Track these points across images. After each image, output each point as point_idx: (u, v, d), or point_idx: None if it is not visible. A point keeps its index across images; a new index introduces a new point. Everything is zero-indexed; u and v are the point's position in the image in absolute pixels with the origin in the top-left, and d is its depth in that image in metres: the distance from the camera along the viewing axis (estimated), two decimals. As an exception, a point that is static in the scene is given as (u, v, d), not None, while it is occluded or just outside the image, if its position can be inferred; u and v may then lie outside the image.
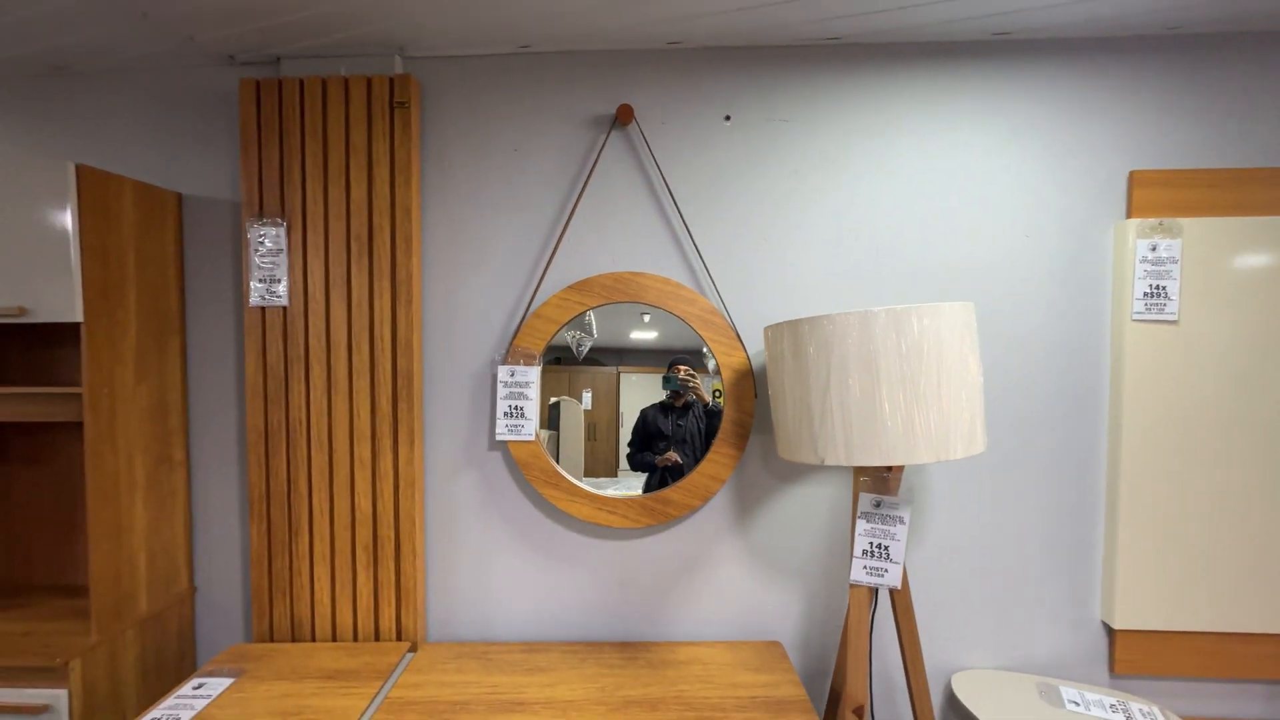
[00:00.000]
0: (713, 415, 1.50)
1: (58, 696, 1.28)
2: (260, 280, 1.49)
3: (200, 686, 1.28)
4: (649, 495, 1.51)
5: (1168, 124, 1.46)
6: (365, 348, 1.49)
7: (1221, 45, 1.45)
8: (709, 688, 1.30)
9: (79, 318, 1.31)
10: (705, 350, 1.50)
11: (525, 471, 1.51)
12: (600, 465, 1.56)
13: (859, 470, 1.27)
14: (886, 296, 1.51)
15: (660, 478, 1.53)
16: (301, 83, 1.47)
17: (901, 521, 1.24)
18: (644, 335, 1.53)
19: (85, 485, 1.34)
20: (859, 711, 1.21)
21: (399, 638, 1.52)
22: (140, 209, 1.46)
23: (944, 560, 1.53)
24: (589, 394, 1.55)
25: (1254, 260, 1.40)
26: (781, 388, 1.24)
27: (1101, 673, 1.51)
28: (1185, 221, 1.41)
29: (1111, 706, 1.35)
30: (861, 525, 1.25)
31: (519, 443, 1.51)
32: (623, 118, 1.48)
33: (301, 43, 1.46)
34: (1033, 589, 1.52)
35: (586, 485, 1.52)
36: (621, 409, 1.55)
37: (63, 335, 1.61)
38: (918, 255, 1.50)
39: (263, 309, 1.50)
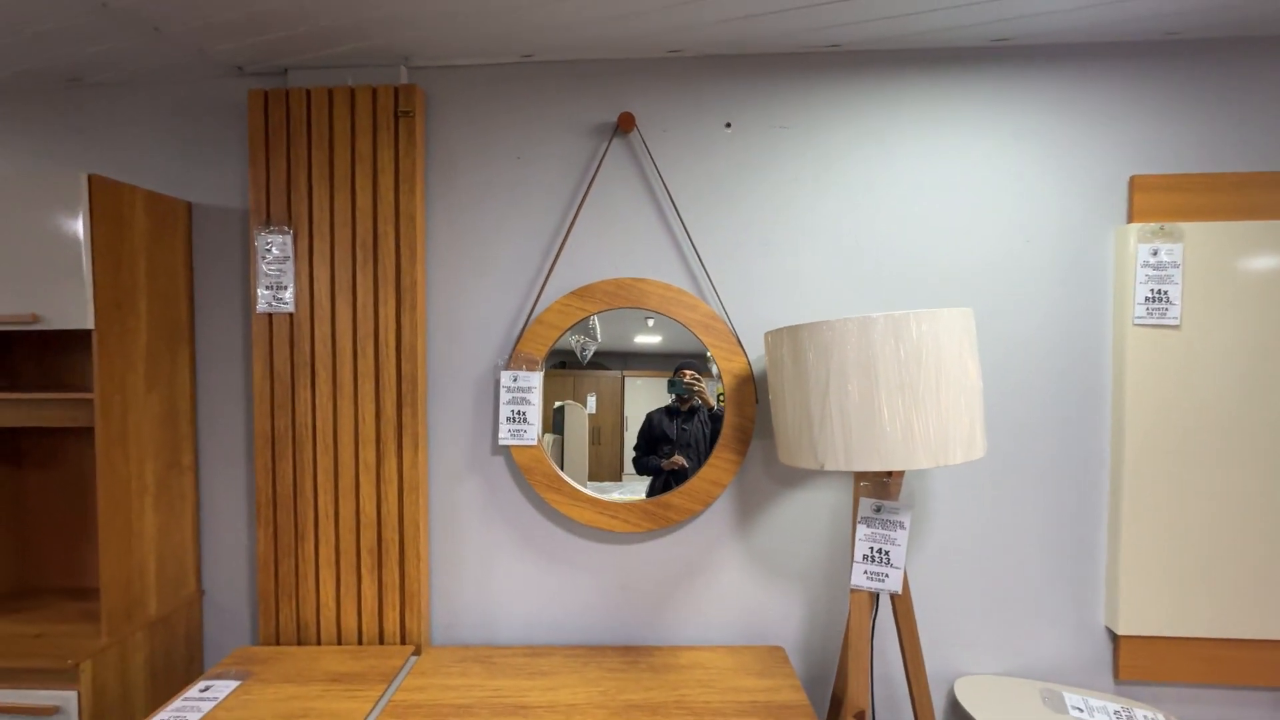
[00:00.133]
0: (718, 419, 1.51)
1: (68, 698, 1.30)
2: (267, 287, 1.51)
3: (207, 689, 1.30)
4: (650, 500, 1.52)
5: (1168, 128, 1.46)
6: (370, 353, 1.51)
7: (1221, 50, 1.45)
8: (710, 692, 1.31)
9: (91, 325, 1.33)
10: (709, 355, 1.51)
11: (528, 476, 1.52)
12: (605, 469, 1.57)
13: (859, 475, 1.27)
14: (887, 301, 1.52)
15: (665, 481, 1.54)
16: (308, 93, 1.50)
17: (902, 526, 1.24)
18: (649, 339, 1.54)
19: (96, 489, 1.36)
20: (860, 717, 1.21)
21: (403, 641, 1.53)
22: (151, 218, 1.49)
23: (946, 565, 1.53)
24: (594, 398, 1.56)
25: (1256, 264, 1.40)
26: (781, 393, 1.25)
27: (1106, 679, 1.51)
28: (1186, 226, 1.41)
29: (1116, 713, 1.34)
30: (862, 530, 1.26)
31: (521, 447, 1.52)
32: (624, 125, 1.50)
33: (309, 54, 1.48)
34: (1035, 594, 1.52)
35: (589, 490, 1.53)
36: (626, 413, 1.56)
37: (75, 342, 1.64)
38: (918, 260, 1.51)
39: (270, 315, 1.52)
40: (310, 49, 1.46)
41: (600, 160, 1.54)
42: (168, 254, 1.54)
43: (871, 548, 1.25)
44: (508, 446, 1.55)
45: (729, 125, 1.52)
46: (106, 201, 1.36)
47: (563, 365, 1.55)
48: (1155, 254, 1.41)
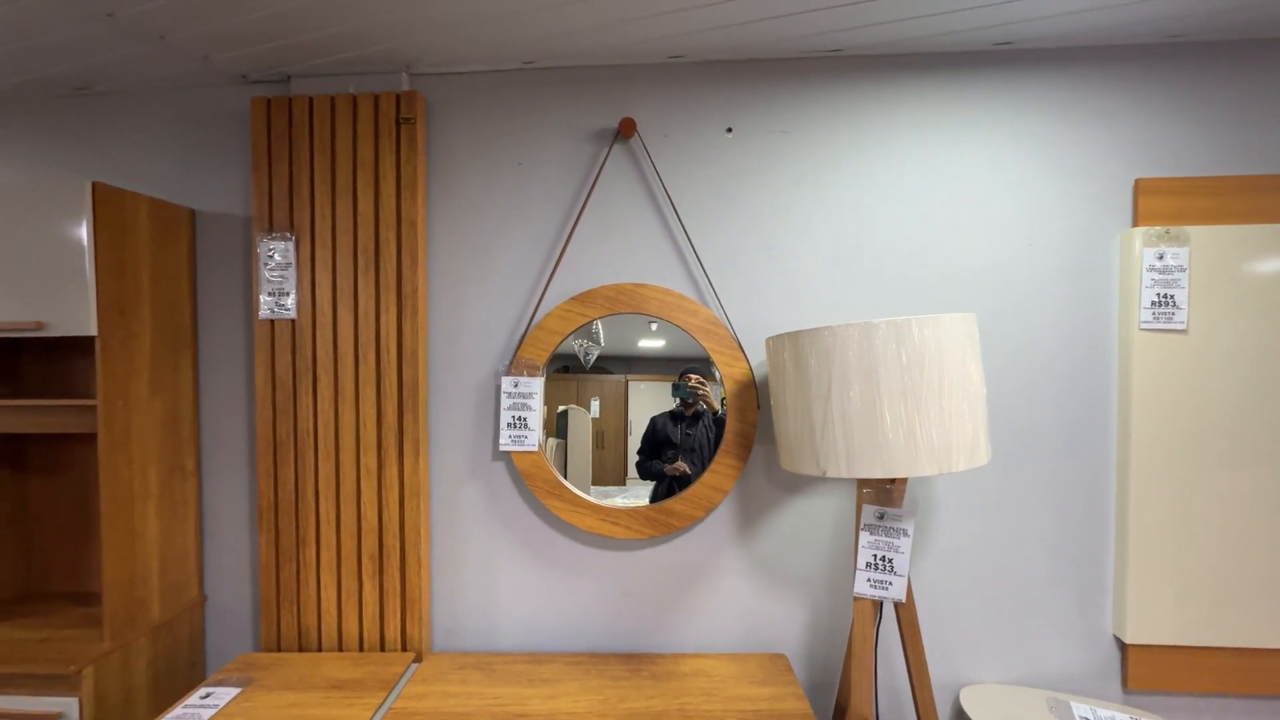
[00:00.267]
0: (722, 424, 1.50)
1: (69, 704, 1.30)
2: (270, 293, 1.52)
3: (208, 696, 1.30)
4: (652, 506, 1.51)
5: (1172, 132, 1.45)
6: (371, 359, 1.51)
7: (1225, 53, 1.44)
8: (713, 700, 1.30)
9: (94, 331, 1.34)
10: (711, 360, 1.50)
11: (528, 482, 1.52)
12: (608, 473, 1.56)
13: (862, 482, 1.26)
14: (890, 306, 1.51)
15: (668, 486, 1.53)
16: (311, 100, 1.50)
17: (905, 533, 1.23)
18: (653, 343, 1.53)
19: (100, 495, 1.37)
20: (863, 726, 1.20)
21: (404, 648, 1.52)
22: (155, 225, 1.50)
23: (950, 572, 1.51)
24: (597, 402, 1.56)
25: (1263, 267, 1.38)
26: (783, 399, 1.24)
27: (1114, 688, 1.49)
28: (1192, 229, 1.40)
29: (1124, 723, 1.32)
30: (865, 537, 1.25)
31: (522, 453, 1.52)
32: (625, 131, 1.50)
33: (311, 61, 1.49)
34: (1042, 601, 1.50)
35: (590, 496, 1.53)
36: (630, 417, 1.56)
37: (79, 348, 1.65)
38: (921, 265, 1.50)
39: (272, 322, 1.52)
40: (312, 56, 1.47)
41: (601, 166, 1.54)
42: (171, 261, 1.55)
43: (875, 555, 1.24)
44: (509, 452, 1.55)
45: (730, 130, 1.52)
46: (110, 209, 1.37)
47: (566, 369, 1.55)
48: (1161, 258, 1.40)
